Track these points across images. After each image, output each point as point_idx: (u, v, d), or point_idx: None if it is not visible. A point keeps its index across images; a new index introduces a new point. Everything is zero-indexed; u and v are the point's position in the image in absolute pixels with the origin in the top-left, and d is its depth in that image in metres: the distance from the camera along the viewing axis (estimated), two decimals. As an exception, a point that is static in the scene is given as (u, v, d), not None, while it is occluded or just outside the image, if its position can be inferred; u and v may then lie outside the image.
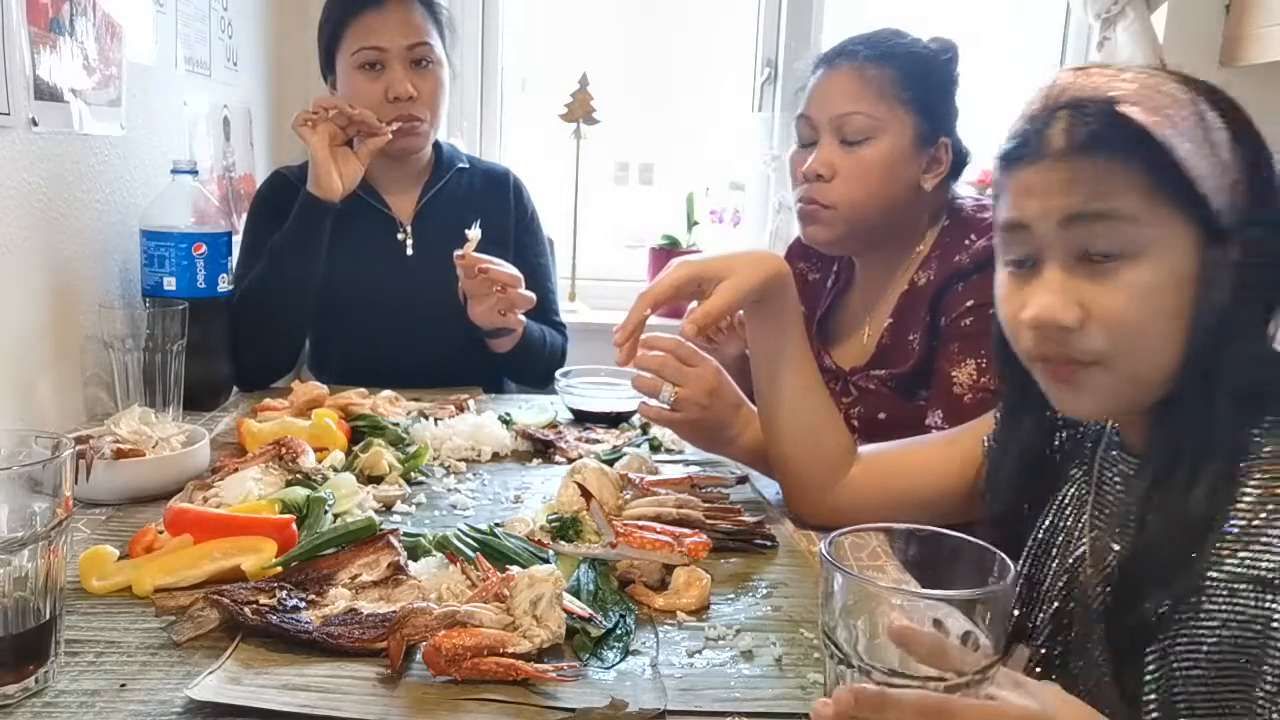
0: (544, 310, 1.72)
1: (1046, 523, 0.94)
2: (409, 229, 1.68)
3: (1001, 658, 0.59)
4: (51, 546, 0.69)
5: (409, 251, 1.67)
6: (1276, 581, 0.71)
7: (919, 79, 1.30)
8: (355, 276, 1.63)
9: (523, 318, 1.59)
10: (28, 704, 0.68)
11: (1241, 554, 0.73)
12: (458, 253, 1.49)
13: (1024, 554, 0.94)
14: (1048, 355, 0.81)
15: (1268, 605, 0.71)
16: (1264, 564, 0.72)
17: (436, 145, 1.74)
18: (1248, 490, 0.75)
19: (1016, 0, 2.73)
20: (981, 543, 0.64)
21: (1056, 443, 0.96)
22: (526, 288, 1.54)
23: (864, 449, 1.10)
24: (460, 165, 1.76)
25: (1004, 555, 0.62)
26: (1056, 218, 0.78)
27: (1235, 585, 0.73)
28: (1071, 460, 0.95)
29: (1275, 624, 0.70)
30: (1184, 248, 0.76)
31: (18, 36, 1.12)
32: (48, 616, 0.70)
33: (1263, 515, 0.73)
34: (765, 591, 0.92)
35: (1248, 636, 0.72)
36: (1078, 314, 0.78)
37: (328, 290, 1.60)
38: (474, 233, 1.48)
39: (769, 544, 1.02)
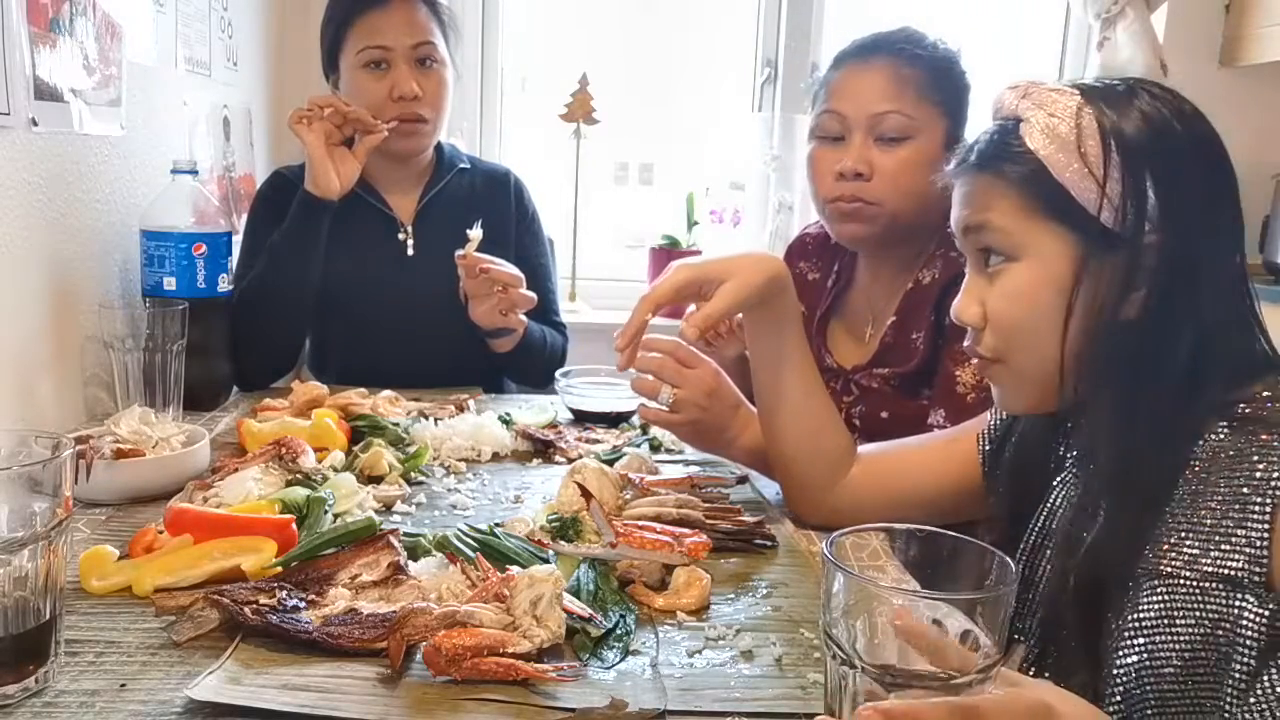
0: (544, 310, 1.72)
1: (1039, 525, 0.95)
2: (410, 229, 1.68)
3: (1002, 657, 0.59)
4: (51, 546, 0.69)
5: (410, 251, 1.67)
6: (1245, 581, 0.73)
7: (947, 81, 1.31)
8: (356, 276, 1.63)
9: (523, 318, 1.59)
10: (28, 704, 0.68)
11: (1213, 553, 0.75)
12: (459, 253, 1.49)
13: (1018, 555, 0.94)
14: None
15: (1237, 604, 0.73)
16: (1233, 564, 0.74)
17: (438, 146, 1.74)
18: (1218, 491, 0.76)
19: (1016, 0, 2.73)
20: (981, 543, 0.64)
21: (1058, 444, 0.96)
22: (527, 288, 1.54)
23: (864, 448, 1.09)
24: (461, 166, 1.76)
25: (1004, 555, 0.62)
26: (960, 227, 0.89)
27: (1205, 584, 0.75)
28: (1064, 463, 0.95)
29: (1244, 623, 0.72)
30: (1065, 255, 0.82)
31: (18, 36, 1.12)
32: (48, 616, 0.70)
33: (1232, 516, 0.75)
34: (765, 591, 0.92)
35: (1218, 635, 0.73)
36: (979, 313, 0.88)
37: (329, 290, 1.60)
38: (475, 233, 1.48)
39: (769, 544, 1.02)
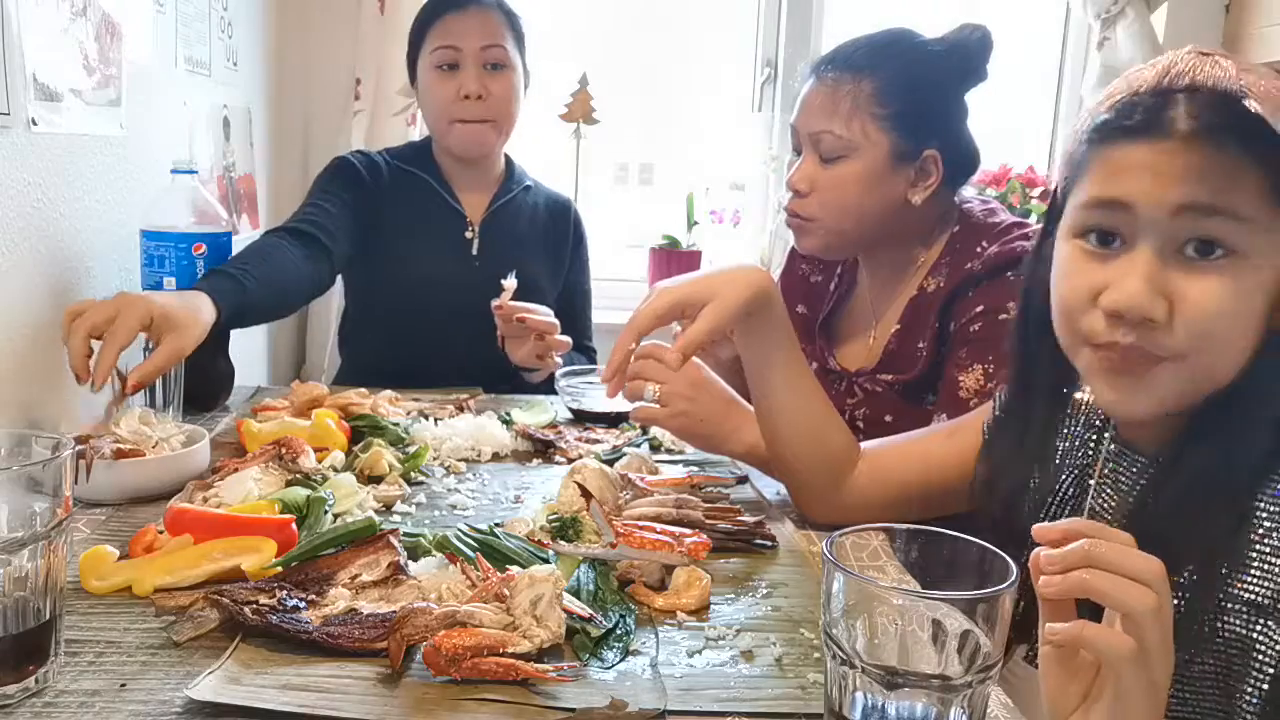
0: (579, 335, 1.78)
1: (1051, 511, 0.93)
2: (477, 229, 1.73)
3: (1002, 658, 0.59)
4: (51, 546, 0.69)
5: (475, 250, 1.73)
6: (1270, 607, 0.70)
7: (903, 90, 1.26)
8: (424, 265, 1.69)
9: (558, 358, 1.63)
10: (28, 704, 0.68)
11: (1241, 576, 0.73)
12: (495, 303, 1.54)
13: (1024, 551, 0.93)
14: (1115, 343, 0.77)
15: (1257, 630, 0.71)
16: (1258, 589, 0.71)
17: (508, 160, 1.81)
18: (1261, 513, 0.74)
19: (1016, 0, 2.73)
20: (982, 543, 0.64)
21: (1060, 437, 0.95)
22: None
23: (866, 444, 1.10)
24: (527, 184, 1.83)
25: (1005, 556, 0.62)
26: (1171, 204, 0.74)
27: (1226, 604, 0.72)
28: (1070, 455, 0.94)
29: (1259, 649, 0.70)
30: None
31: (17, 36, 1.12)
32: (48, 616, 0.70)
33: (1269, 542, 0.72)
34: (765, 591, 0.92)
35: (1230, 654, 0.72)
36: (1164, 307, 0.75)
37: (392, 271, 1.67)
38: (510, 283, 1.53)
39: (769, 544, 1.02)
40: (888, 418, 1.33)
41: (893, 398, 1.33)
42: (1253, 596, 0.71)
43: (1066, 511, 0.92)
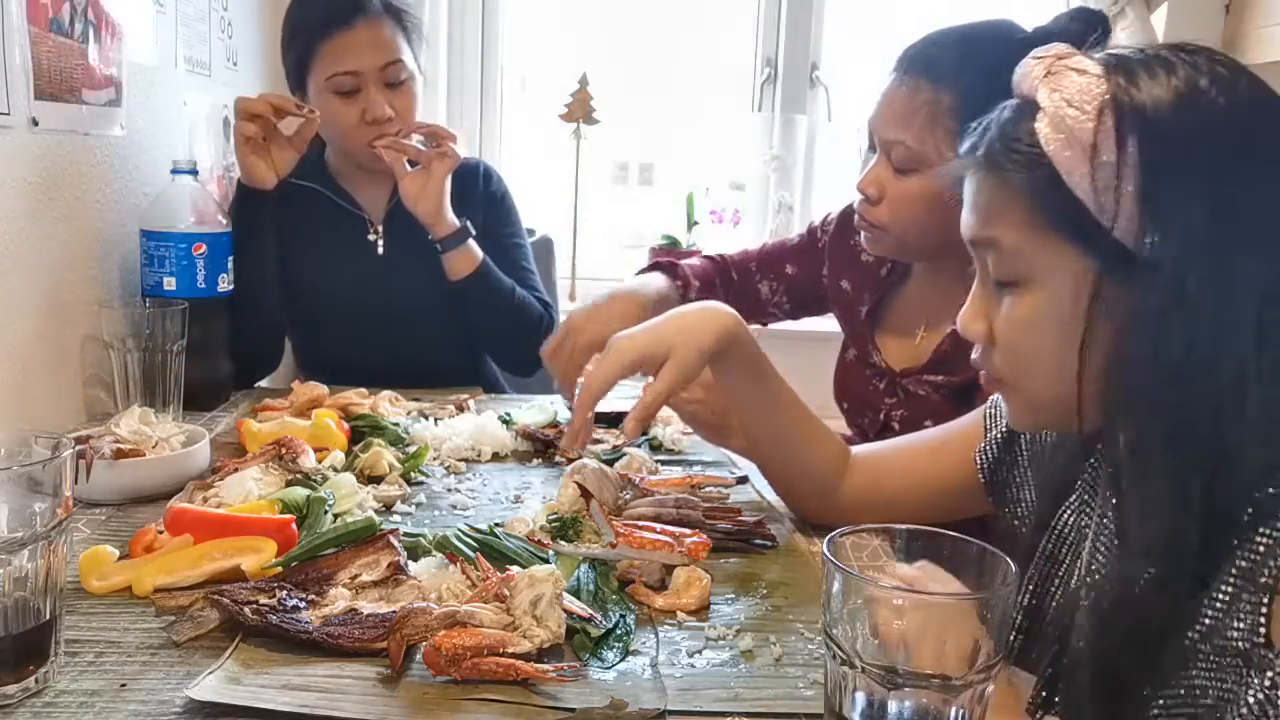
0: (522, 287, 1.70)
1: (1047, 550, 0.86)
2: (380, 229, 1.68)
3: (1003, 658, 0.59)
4: (51, 546, 0.69)
5: (380, 250, 1.67)
6: (1251, 653, 0.62)
7: (985, 104, 1.17)
8: (326, 278, 1.64)
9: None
10: (28, 704, 0.68)
11: (1229, 627, 0.64)
12: (380, 143, 1.56)
13: (1028, 577, 0.86)
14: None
15: (1249, 677, 0.62)
16: (1236, 633, 0.63)
17: None
18: (1242, 560, 0.65)
19: (1017, 0, 2.73)
20: (982, 544, 0.64)
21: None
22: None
23: (857, 450, 1.09)
24: None
25: (1005, 556, 0.62)
26: (967, 237, 0.76)
27: (1221, 659, 0.64)
28: (1074, 485, 0.86)
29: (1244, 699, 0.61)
30: (1079, 281, 0.69)
31: (18, 36, 1.12)
32: (48, 616, 0.70)
33: (1249, 590, 0.63)
34: (765, 591, 0.92)
35: (1241, 711, 0.63)
36: (984, 329, 0.77)
37: (300, 291, 1.62)
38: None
39: (769, 544, 1.02)
40: (927, 422, 1.27)
41: (937, 401, 1.29)
42: (1239, 646, 0.63)
43: (1066, 546, 0.85)
